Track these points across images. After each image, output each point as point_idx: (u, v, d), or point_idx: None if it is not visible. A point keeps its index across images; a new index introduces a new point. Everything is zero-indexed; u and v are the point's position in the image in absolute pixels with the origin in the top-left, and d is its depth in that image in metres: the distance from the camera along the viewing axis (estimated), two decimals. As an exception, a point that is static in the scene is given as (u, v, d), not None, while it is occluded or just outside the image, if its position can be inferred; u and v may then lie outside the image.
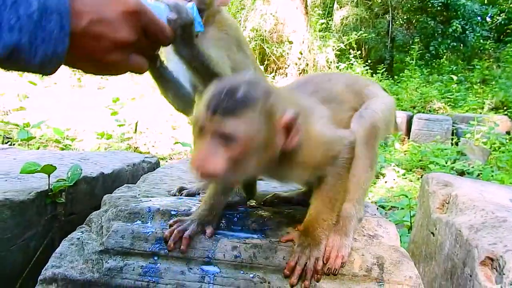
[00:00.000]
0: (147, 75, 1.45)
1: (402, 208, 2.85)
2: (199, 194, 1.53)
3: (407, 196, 2.54)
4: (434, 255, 1.80)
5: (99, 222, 1.25)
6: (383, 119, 1.35)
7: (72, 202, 1.65)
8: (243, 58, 1.65)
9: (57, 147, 4.67)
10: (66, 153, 2.20)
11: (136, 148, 5.74)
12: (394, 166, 5.29)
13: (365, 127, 1.30)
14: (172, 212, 1.26)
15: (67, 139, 4.88)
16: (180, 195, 1.52)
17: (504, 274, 1.24)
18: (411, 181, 5.18)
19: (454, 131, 7.68)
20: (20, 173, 1.47)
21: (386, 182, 5.13)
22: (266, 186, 1.76)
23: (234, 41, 1.62)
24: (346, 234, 1.26)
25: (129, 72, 0.93)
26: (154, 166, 2.34)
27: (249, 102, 0.96)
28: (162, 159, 6.36)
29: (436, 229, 1.85)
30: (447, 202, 1.88)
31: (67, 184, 1.52)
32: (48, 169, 1.45)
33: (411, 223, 2.58)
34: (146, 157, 2.33)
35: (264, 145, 1.00)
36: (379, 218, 1.43)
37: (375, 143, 1.33)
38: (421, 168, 5.92)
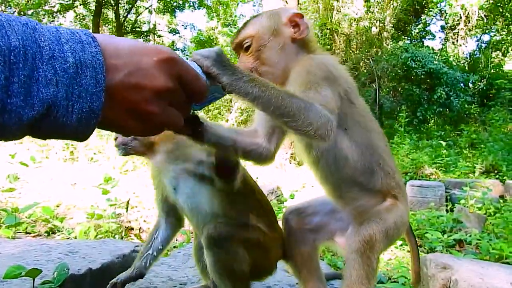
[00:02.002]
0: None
1: (403, 284, 2.76)
2: None
3: (406, 277, 2.46)
4: None
5: None
6: (387, 233, 1.34)
7: (58, 304, 1.57)
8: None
9: (46, 226, 4.56)
10: (54, 244, 2.13)
11: (127, 227, 5.62)
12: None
13: (366, 237, 1.28)
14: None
15: (56, 218, 4.78)
16: None
17: None
18: (409, 251, 5.07)
19: (448, 197, 7.68)
20: (3, 278, 1.41)
21: (383, 254, 5.02)
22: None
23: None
24: None
25: (165, 127, 0.89)
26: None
27: (255, 17, 1.35)
28: (154, 234, 6.22)
29: (438, 317, 1.77)
30: (448, 286, 1.82)
31: (52, 287, 1.46)
32: (33, 274, 1.40)
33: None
34: (136, 246, 2.27)
35: (275, 36, 1.33)
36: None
37: (372, 256, 1.29)
38: (418, 237, 5.83)
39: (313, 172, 1.46)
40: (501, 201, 7.41)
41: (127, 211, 5.10)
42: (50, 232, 4.61)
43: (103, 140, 9.79)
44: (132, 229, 6.32)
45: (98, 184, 4.55)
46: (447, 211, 7.24)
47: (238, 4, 25.05)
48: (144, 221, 6.67)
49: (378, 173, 1.41)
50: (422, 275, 2.09)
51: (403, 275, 2.68)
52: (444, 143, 11.39)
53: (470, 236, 5.08)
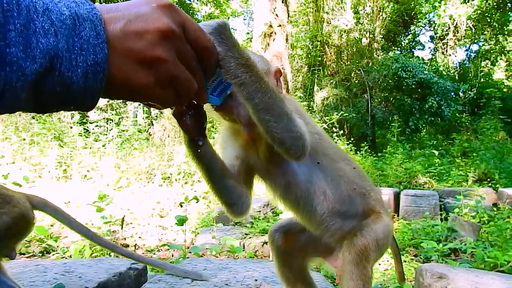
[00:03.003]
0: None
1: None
2: None
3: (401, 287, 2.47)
4: None
5: None
6: (378, 243, 1.36)
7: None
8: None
9: (40, 246, 4.52)
10: (49, 265, 2.11)
11: (123, 244, 5.59)
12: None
13: (360, 247, 1.30)
14: None
15: (50, 237, 4.73)
16: None
17: None
18: (405, 261, 5.07)
19: (442, 205, 7.72)
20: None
21: (379, 264, 5.02)
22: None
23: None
24: None
25: (178, 87, 0.80)
26: (141, 272, 2.25)
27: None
28: (149, 251, 6.18)
29: (436, 328, 1.78)
30: (444, 297, 1.83)
31: (49, 308, 1.45)
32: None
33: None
34: (133, 263, 2.26)
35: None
36: None
37: (367, 265, 1.31)
38: (414, 247, 5.84)
39: (295, 215, 1.44)
40: (495, 209, 7.47)
41: (122, 228, 5.07)
42: (45, 252, 4.56)
43: (96, 158, 9.75)
44: (128, 246, 6.27)
45: (92, 202, 4.52)
46: (441, 220, 7.27)
47: (228, 18, 25.28)
48: (139, 237, 6.63)
49: (356, 198, 1.43)
50: (418, 285, 2.10)
51: (399, 286, 2.68)
52: (436, 152, 11.49)
53: (465, 244, 5.10)
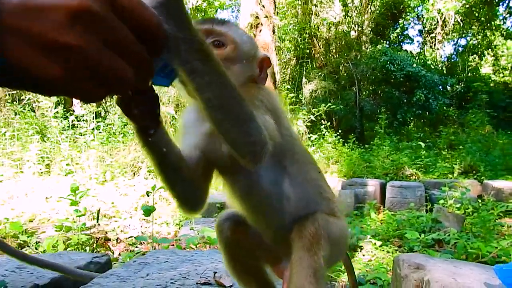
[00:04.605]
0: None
1: (381, 286, 2.72)
2: None
3: (381, 279, 2.42)
4: None
5: None
6: (330, 235, 1.26)
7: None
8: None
9: (15, 242, 4.39)
10: (4, 261, 1.98)
11: (99, 238, 5.46)
12: (370, 238, 5.18)
13: (311, 231, 1.20)
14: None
15: (25, 233, 4.61)
16: None
17: None
18: (389, 252, 5.06)
19: (427, 197, 7.74)
20: None
21: (363, 255, 5.00)
22: None
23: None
24: None
25: (108, 80, 0.61)
26: (104, 266, 2.15)
27: (237, 27, 1.22)
28: (131, 244, 6.08)
29: (411, 318, 1.72)
30: (421, 287, 1.78)
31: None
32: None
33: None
34: (94, 257, 2.15)
35: (249, 61, 1.18)
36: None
37: (318, 252, 1.20)
38: (398, 238, 5.84)
39: (252, 220, 1.32)
40: (479, 200, 7.50)
41: (97, 221, 4.94)
42: (20, 248, 4.46)
43: (80, 152, 9.59)
44: (109, 240, 6.16)
45: (67, 195, 4.36)
46: (426, 211, 7.28)
47: (216, 11, 25.04)
48: (122, 231, 6.52)
49: (322, 203, 1.34)
50: (395, 276, 2.05)
51: (378, 277, 2.63)
52: (423, 145, 11.52)
53: (449, 235, 5.10)
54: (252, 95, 1.12)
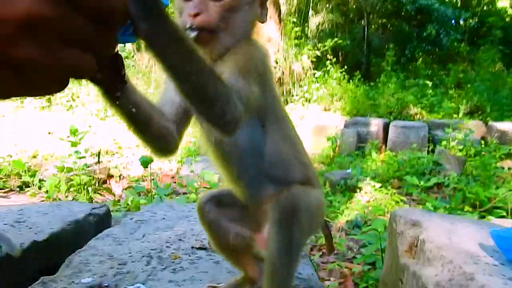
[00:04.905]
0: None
1: (376, 230, 2.74)
2: None
3: (377, 230, 2.43)
4: (403, 306, 1.69)
5: None
6: (309, 206, 1.23)
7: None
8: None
9: (19, 181, 4.44)
10: (3, 213, 1.97)
11: (100, 179, 5.51)
12: (370, 180, 5.22)
13: (285, 205, 1.17)
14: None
15: (28, 171, 4.64)
16: None
17: None
18: (387, 194, 5.11)
19: (430, 138, 7.70)
20: None
21: (362, 196, 5.07)
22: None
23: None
24: None
25: (68, 74, 0.57)
26: (103, 218, 2.15)
27: None
28: (134, 181, 6.17)
29: (404, 276, 1.74)
30: (415, 245, 1.77)
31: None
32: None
33: (382, 255, 2.48)
34: (93, 208, 2.14)
35: (250, 6, 1.12)
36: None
37: (295, 226, 1.17)
38: (398, 179, 5.88)
39: (224, 173, 1.28)
40: (482, 142, 7.45)
41: (98, 162, 4.95)
42: (24, 187, 4.51)
43: (81, 86, 9.46)
44: (112, 176, 6.24)
45: (66, 137, 4.33)
46: (428, 152, 7.28)
47: None
48: (124, 167, 6.59)
49: (296, 166, 1.29)
50: (391, 231, 2.04)
51: (375, 228, 2.65)
52: (430, 83, 11.27)
53: (449, 179, 5.12)
54: (245, 58, 1.06)
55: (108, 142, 7.57)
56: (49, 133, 7.56)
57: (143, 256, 1.75)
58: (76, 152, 4.13)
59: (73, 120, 5.99)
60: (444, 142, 7.15)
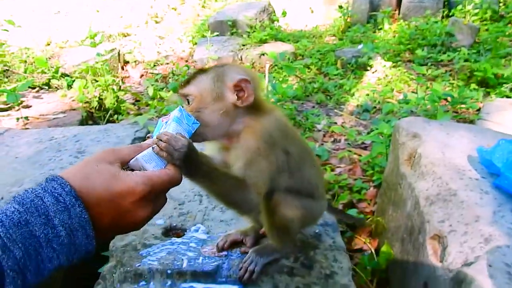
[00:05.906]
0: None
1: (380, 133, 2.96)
2: None
3: (382, 133, 2.70)
4: (400, 206, 2.07)
5: (112, 280, 1.48)
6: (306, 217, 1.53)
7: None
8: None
9: (46, 78, 4.65)
10: (62, 140, 2.20)
11: (125, 61, 5.65)
12: (380, 59, 5.31)
13: (280, 223, 1.45)
14: (168, 272, 1.48)
15: (51, 68, 4.82)
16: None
17: (445, 255, 1.50)
18: (398, 66, 5.23)
19: (446, 1, 7.41)
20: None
21: (373, 73, 5.20)
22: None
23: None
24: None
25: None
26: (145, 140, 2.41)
27: (202, 73, 1.29)
28: (150, 66, 6.35)
29: (401, 183, 2.08)
30: (414, 156, 2.08)
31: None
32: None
33: (386, 154, 2.78)
34: (136, 131, 2.35)
35: (217, 101, 1.26)
36: (336, 251, 1.64)
37: (285, 239, 1.53)
38: (409, 52, 5.92)
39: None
40: (501, 2, 7.15)
41: (123, 68, 5.01)
42: (50, 84, 4.74)
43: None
44: (128, 62, 6.40)
45: (84, 39, 4.41)
46: (442, 17, 7.10)
47: None
48: (139, 52, 6.69)
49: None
50: (394, 140, 2.34)
51: (387, 102, 2.90)
52: None
53: (459, 54, 5.19)
54: (251, 144, 1.26)
55: (115, 22, 7.52)
56: (55, 13, 7.45)
57: (195, 195, 1.96)
58: (98, 54, 4.28)
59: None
60: (460, 6, 6.94)
